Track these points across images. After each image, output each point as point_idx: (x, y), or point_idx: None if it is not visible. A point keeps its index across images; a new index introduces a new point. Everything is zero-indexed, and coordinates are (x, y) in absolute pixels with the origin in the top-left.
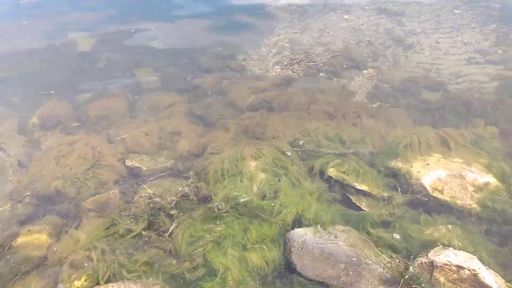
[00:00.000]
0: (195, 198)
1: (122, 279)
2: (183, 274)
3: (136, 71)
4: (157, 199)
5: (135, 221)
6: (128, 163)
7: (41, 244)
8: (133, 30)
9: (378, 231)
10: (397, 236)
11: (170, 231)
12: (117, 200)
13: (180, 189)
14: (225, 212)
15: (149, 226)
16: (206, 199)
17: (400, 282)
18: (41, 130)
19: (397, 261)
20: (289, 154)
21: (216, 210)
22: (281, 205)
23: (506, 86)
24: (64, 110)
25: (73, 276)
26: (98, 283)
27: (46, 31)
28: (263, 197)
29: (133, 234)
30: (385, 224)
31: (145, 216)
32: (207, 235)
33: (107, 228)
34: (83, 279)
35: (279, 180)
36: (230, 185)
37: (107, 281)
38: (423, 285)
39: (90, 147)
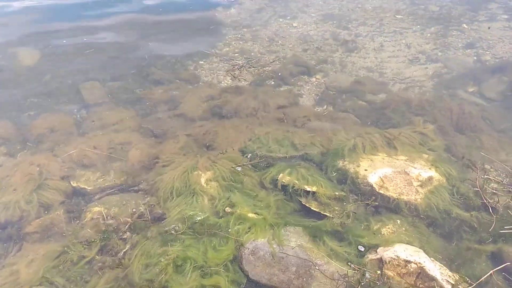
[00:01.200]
0: (149, 218)
1: None
2: None
3: (82, 85)
4: (110, 221)
5: (88, 246)
6: (74, 183)
7: None
8: (64, 41)
9: (330, 238)
10: (361, 248)
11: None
12: (63, 222)
13: (134, 209)
14: (182, 233)
15: (103, 250)
16: (159, 218)
17: None
18: None
19: (353, 268)
20: (239, 169)
21: (173, 232)
22: (237, 221)
23: (443, 83)
24: (7, 129)
25: None
26: None
27: None
28: (218, 213)
29: (86, 260)
30: (335, 226)
31: (97, 241)
32: (163, 260)
33: (57, 257)
34: None
35: (228, 198)
36: (183, 203)
37: None
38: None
39: (36, 166)
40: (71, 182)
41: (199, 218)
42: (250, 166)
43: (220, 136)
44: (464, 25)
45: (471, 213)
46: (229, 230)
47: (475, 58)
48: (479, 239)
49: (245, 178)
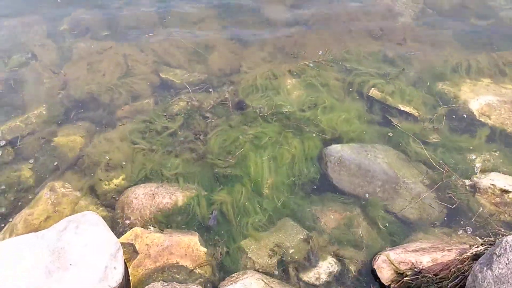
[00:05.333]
0: (231, 105)
1: (161, 180)
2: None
3: None
4: (195, 103)
5: (171, 119)
6: (162, 75)
7: (76, 146)
8: None
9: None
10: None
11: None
12: (152, 109)
13: (217, 96)
14: (263, 117)
15: (186, 127)
16: (242, 108)
17: (437, 184)
18: (72, 37)
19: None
20: (311, 65)
21: (257, 111)
22: (322, 119)
23: None
24: (94, 18)
25: (112, 174)
26: (136, 184)
27: None
28: (302, 111)
29: (169, 131)
30: (428, 144)
31: (182, 116)
32: (241, 137)
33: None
34: (121, 177)
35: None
36: (268, 97)
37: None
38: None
39: (122, 55)
40: (160, 74)
41: (285, 110)
42: (339, 78)
43: (307, 47)
44: None
45: None
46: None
47: None
48: None
49: (333, 88)
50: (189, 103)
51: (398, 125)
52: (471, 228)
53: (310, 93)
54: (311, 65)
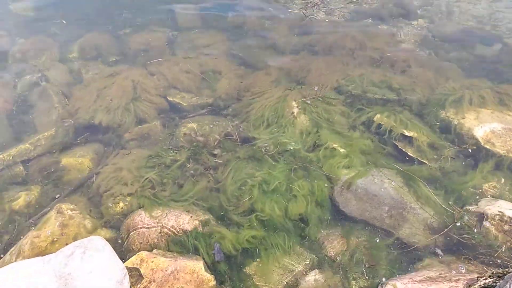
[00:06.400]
0: (237, 139)
1: (169, 206)
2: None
3: (175, 7)
4: (200, 138)
5: (178, 152)
6: (170, 98)
7: (84, 167)
8: None
9: (425, 184)
10: None
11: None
12: (159, 132)
13: (222, 130)
14: (270, 156)
15: (194, 161)
16: (248, 141)
17: (448, 227)
18: (82, 61)
19: (453, 210)
20: (309, 102)
21: (263, 150)
22: (329, 156)
23: None
24: (104, 42)
25: (117, 197)
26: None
27: None
28: (308, 146)
29: (178, 164)
30: (432, 173)
31: (187, 151)
32: (249, 180)
33: (151, 159)
34: (128, 199)
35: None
36: (274, 131)
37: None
38: (474, 235)
39: (131, 80)
40: (167, 97)
41: (291, 147)
42: (344, 105)
43: (312, 73)
44: None
45: None
46: (321, 165)
47: None
48: None
49: (337, 117)
50: (195, 138)
51: (403, 149)
52: (479, 257)
53: (315, 125)
54: (308, 101)
